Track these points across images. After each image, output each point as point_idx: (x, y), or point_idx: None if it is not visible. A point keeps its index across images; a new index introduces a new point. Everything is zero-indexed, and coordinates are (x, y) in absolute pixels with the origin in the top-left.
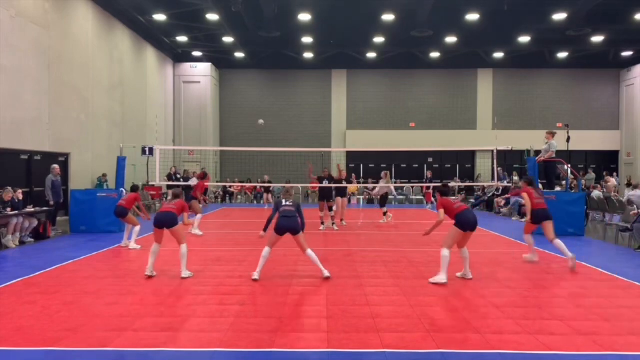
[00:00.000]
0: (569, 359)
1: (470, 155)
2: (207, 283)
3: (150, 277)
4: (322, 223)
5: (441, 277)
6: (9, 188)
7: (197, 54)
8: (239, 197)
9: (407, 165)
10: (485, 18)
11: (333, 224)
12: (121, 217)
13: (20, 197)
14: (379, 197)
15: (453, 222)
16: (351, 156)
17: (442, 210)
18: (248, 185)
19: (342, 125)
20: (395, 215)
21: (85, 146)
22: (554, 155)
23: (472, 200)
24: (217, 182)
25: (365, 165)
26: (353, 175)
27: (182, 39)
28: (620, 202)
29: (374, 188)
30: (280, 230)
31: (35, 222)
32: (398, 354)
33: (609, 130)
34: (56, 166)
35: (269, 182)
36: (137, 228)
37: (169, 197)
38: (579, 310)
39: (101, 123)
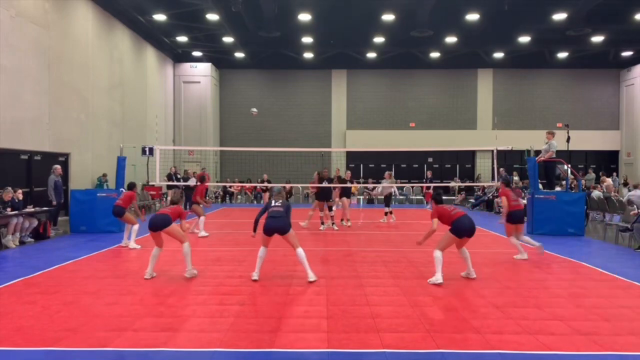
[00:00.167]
0: (569, 359)
1: (470, 155)
2: (207, 283)
3: (147, 279)
4: (322, 223)
5: (437, 278)
6: (9, 188)
7: (197, 54)
8: (239, 197)
9: (407, 165)
10: (485, 18)
11: (333, 224)
12: (119, 217)
13: (20, 197)
14: (383, 197)
15: (449, 227)
16: (351, 156)
17: (436, 220)
18: (248, 185)
19: (342, 125)
20: (395, 215)
21: (85, 146)
22: (554, 155)
23: (472, 200)
24: (217, 182)
25: (365, 165)
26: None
27: (182, 39)
28: (620, 202)
29: (374, 188)
30: (268, 231)
31: (35, 222)
32: (398, 354)
33: (609, 130)
34: (58, 166)
35: (268, 181)
36: (136, 227)
37: (167, 203)
38: (579, 310)
39: (101, 123)
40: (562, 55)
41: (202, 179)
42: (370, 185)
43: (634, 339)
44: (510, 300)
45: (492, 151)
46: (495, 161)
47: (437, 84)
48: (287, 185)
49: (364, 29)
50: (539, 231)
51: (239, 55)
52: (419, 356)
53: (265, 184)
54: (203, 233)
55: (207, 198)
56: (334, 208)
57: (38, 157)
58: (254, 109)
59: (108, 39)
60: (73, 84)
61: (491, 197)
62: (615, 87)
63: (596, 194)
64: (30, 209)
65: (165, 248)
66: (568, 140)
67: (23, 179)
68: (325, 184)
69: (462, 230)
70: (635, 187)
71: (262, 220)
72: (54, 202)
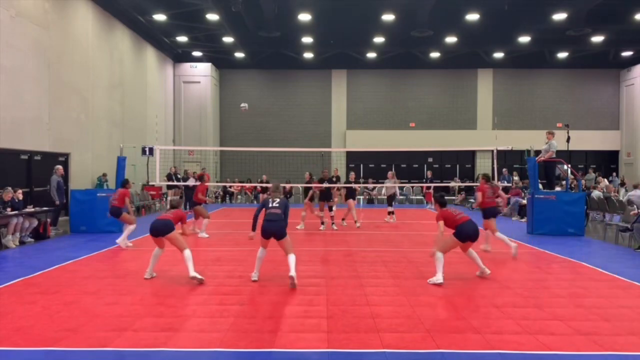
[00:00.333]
0: (569, 359)
1: (470, 155)
2: (207, 283)
3: (147, 279)
4: (322, 223)
5: (437, 278)
6: (9, 188)
7: (197, 54)
8: (239, 197)
9: (407, 165)
10: (485, 18)
11: (332, 224)
12: (116, 217)
13: (20, 197)
14: (386, 197)
15: (452, 231)
16: (351, 156)
17: (441, 222)
18: (248, 185)
19: (342, 125)
20: (395, 215)
21: (85, 146)
22: (554, 155)
23: (472, 200)
24: (217, 182)
25: (365, 165)
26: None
27: (182, 39)
28: (620, 202)
29: (374, 188)
30: (265, 234)
31: (35, 222)
32: (398, 354)
33: (609, 130)
34: (60, 167)
35: (267, 182)
36: (132, 227)
37: (168, 207)
38: (579, 310)
39: (101, 123)
40: (562, 55)
41: (201, 178)
42: (370, 186)
43: (634, 339)
44: (510, 300)
45: (492, 151)
46: (495, 161)
47: (437, 84)
48: (287, 185)
49: (364, 29)
50: (539, 231)
51: (239, 55)
52: (419, 356)
53: (264, 185)
54: (204, 234)
55: (207, 198)
56: (334, 208)
57: (38, 157)
58: (244, 104)
59: (108, 39)
60: (73, 84)
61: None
62: (615, 87)
63: (596, 194)
64: (30, 209)
65: (166, 248)
66: (568, 140)
67: (23, 179)
68: (326, 185)
69: (466, 236)
70: (635, 187)
71: (259, 222)
72: (57, 202)
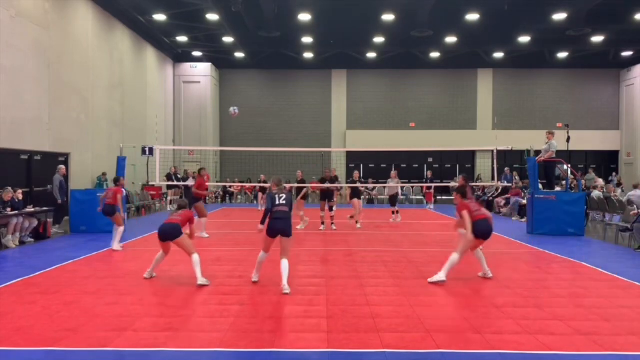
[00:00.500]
0: (569, 359)
1: (470, 155)
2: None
3: (146, 279)
4: (322, 223)
5: (440, 276)
6: (9, 188)
7: (197, 54)
8: (239, 197)
9: (407, 165)
10: (485, 18)
11: (332, 224)
12: (109, 216)
13: (20, 197)
14: (388, 197)
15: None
16: (351, 156)
17: (465, 212)
18: (248, 185)
19: (342, 125)
20: (400, 214)
21: (85, 146)
22: (554, 155)
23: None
24: (217, 182)
25: (365, 165)
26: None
27: (182, 39)
28: (620, 202)
29: (374, 188)
30: (272, 233)
31: (35, 222)
32: (398, 354)
33: (609, 130)
34: (62, 166)
35: (265, 182)
36: (121, 229)
37: (175, 208)
38: (579, 310)
39: (101, 123)
40: (562, 55)
41: (199, 171)
42: (370, 186)
43: (634, 339)
44: (510, 300)
45: (492, 151)
46: (495, 161)
47: (437, 84)
48: (287, 186)
49: (364, 29)
50: (539, 231)
51: (239, 55)
52: (419, 356)
53: (262, 185)
54: (204, 234)
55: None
56: (334, 208)
57: (38, 157)
58: (234, 108)
59: (108, 39)
60: (73, 84)
61: (491, 197)
62: (615, 87)
63: (596, 194)
64: (30, 209)
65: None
66: (568, 140)
67: (23, 179)
68: (327, 184)
69: (480, 233)
70: (635, 187)
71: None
72: (59, 201)
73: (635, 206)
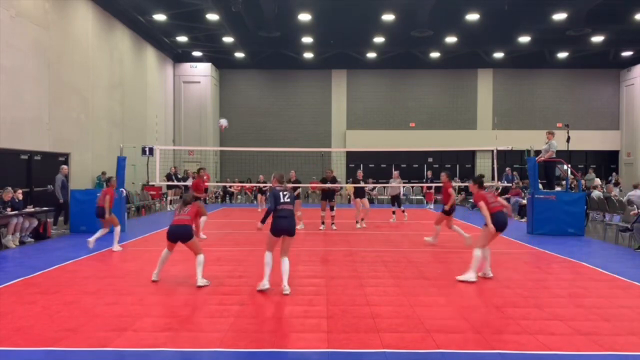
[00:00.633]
0: (569, 359)
1: (470, 155)
2: None
3: (155, 281)
4: (323, 223)
5: (470, 275)
6: (9, 188)
7: (197, 54)
8: (239, 197)
9: (407, 165)
10: (485, 18)
11: (332, 224)
12: (101, 218)
13: (20, 197)
14: (390, 196)
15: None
16: (351, 156)
17: (482, 203)
18: (248, 185)
19: (342, 125)
20: (397, 215)
21: (85, 146)
22: (554, 155)
23: (472, 200)
24: (217, 182)
25: (365, 165)
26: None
27: (182, 39)
28: (620, 202)
29: (374, 188)
30: (277, 232)
31: (35, 222)
32: (398, 354)
33: (609, 130)
34: (65, 166)
35: (265, 182)
36: (104, 232)
37: (180, 205)
38: (579, 310)
39: (101, 123)
40: (562, 55)
41: (197, 171)
42: (370, 185)
43: (634, 339)
44: (510, 300)
45: (492, 151)
46: (495, 161)
47: (437, 84)
48: (288, 186)
49: (364, 29)
50: (539, 231)
51: (239, 55)
52: (419, 356)
53: (261, 185)
54: (202, 236)
55: (207, 193)
56: (335, 208)
57: (38, 157)
58: (223, 120)
59: (108, 39)
60: (73, 84)
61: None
62: (615, 87)
63: (596, 194)
64: (30, 209)
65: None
66: (568, 140)
67: (23, 179)
68: (328, 184)
69: (497, 224)
70: (635, 187)
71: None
72: (61, 200)
73: (635, 206)
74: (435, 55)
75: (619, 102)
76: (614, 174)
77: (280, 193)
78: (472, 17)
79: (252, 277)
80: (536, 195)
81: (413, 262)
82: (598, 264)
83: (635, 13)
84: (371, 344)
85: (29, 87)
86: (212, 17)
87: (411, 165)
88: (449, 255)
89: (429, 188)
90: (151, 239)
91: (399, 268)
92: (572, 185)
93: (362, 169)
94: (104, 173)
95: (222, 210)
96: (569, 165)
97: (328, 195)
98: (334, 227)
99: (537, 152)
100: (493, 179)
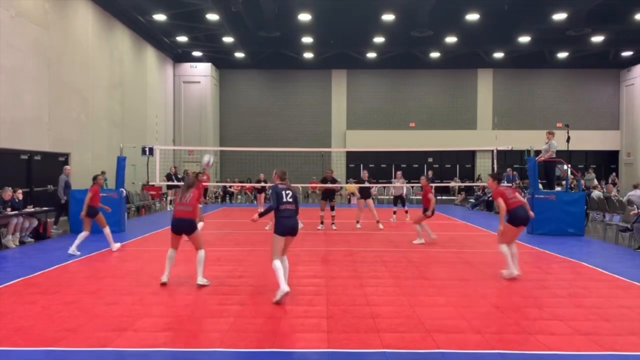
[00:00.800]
0: (569, 359)
1: (470, 155)
2: None
3: (164, 284)
4: (322, 222)
5: (511, 272)
6: (9, 188)
7: (197, 54)
8: (239, 197)
9: (407, 165)
10: (485, 18)
11: (333, 224)
12: (93, 217)
13: (20, 197)
14: (393, 197)
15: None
16: (351, 156)
17: (500, 199)
18: (248, 185)
19: (342, 125)
20: (398, 215)
21: (85, 146)
22: (554, 155)
23: (472, 200)
24: (217, 182)
25: (365, 165)
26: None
27: (182, 39)
28: (620, 202)
29: (375, 188)
30: (283, 233)
31: (35, 222)
32: (398, 354)
33: (609, 130)
34: (68, 167)
35: (265, 181)
36: (107, 229)
37: (181, 190)
38: (579, 310)
39: (101, 123)
40: (562, 55)
41: (196, 175)
42: (374, 186)
43: (634, 339)
44: (510, 300)
45: (492, 151)
46: (495, 161)
47: (437, 84)
48: (290, 184)
49: (364, 29)
50: (539, 231)
51: (239, 55)
52: (419, 356)
53: (262, 184)
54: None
55: (207, 198)
56: (335, 208)
57: (38, 157)
58: (208, 157)
59: (108, 39)
60: (73, 84)
61: (491, 197)
62: (615, 87)
63: (596, 194)
64: (30, 209)
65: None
66: (568, 140)
67: (23, 179)
68: (328, 184)
69: (518, 219)
70: (635, 187)
71: (261, 218)
72: (63, 200)
73: (635, 206)
74: (435, 55)
75: (619, 102)
76: (613, 174)
77: (283, 192)
78: (472, 17)
79: (252, 277)
80: (536, 195)
81: (413, 262)
82: (598, 264)
83: (635, 13)
84: (371, 344)
85: (29, 87)
86: (212, 17)
87: (411, 165)
88: (447, 255)
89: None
90: (151, 239)
91: (399, 268)
92: (572, 185)
93: (362, 168)
94: (103, 173)
95: (222, 210)
96: (569, 165)
97: (328, 195)
98: (334, 227)
99: (537, 152)
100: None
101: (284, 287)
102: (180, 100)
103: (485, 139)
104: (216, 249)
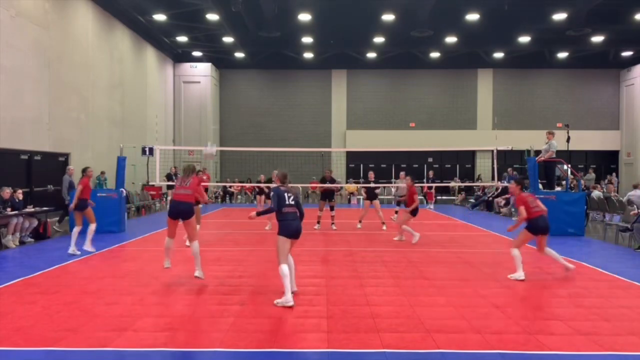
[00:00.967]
0: (569, 359)
1: (470, 155)
2: (207, 283)
3: (167, 268)
4: (318, 222)
5: (519, 275)
6: (10, 188)
7: (197, 54)
8: (239, 197)
9: (407, 165)
10: (485, 18)
11: (332, 224)
12: (82, 211)
13: (20, 197)
14: (397, 197)
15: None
16: (351, 156)
17: (522, 208)
18: (248, 185)
19: (342, 125)
20: (397, 215)
21: (85, 146)
22: (554, 155)
23: (472, 200)
24: (217, 182)
25: (365, 165)
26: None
27: (182, 39)
28: (620, 202)
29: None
30: (290, 235)
31: (35, 222)
32: (398, 354)
33: (609, 130)
34: (72, 167)
35: (268, 180)
36: (93, 226)
37: (182, 176)
38: (579, 310)
39: (101, 123)
40: (562, 55)
41: (196, 173)
42: (372, 186)
43: (634, 339)
44: (510, 300)
45: (492, 151)
46: (495, 161)
47: (437, 84)
48: (290, 186)
49: (364, 29)
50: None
51: (239, 55)
52: (419, 356)
53: (261, 185)
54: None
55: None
56: (335, 208)
57: (38, 157)
58: (211, 147)
59: (108, 39)
60: (73, 84)
61: (491, 197)
62: (615, 87)
63: (596, 194)
64: (30, 209)
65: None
66: (568, 140)
67: (23, 179)
68: (327, 184)
69: (539, 229)
70: (635, 187)
71: (258, 218)
72: (67, 201)
73: (635, 206)
74: (435, 55)
75: (619, 102)
76: (613, 174)
77: (285, 194)
78: (472, 17)
79: (252, 277)
80: (536, 195)
81: (413, 262)
82: (598, 264)
83: (635, 13)
84: (371, 344)
85: (29, 87)
86: (212, 17)
87: (411, 165)
88: (447, 256)
89: (430, 188)
90: (151, 239)
91: (399, 268)
92: (572, 185)
93: (361, 169)
94: (102, 172)
95: (222, 210)
96: (569, 165)
97: (327, 195)
98: (334, 227)
99: (537, 152)
100: (493, 179)
101: (289, 298)
102: (180, 100)
103: (485, 139)
104: (216, 249)
